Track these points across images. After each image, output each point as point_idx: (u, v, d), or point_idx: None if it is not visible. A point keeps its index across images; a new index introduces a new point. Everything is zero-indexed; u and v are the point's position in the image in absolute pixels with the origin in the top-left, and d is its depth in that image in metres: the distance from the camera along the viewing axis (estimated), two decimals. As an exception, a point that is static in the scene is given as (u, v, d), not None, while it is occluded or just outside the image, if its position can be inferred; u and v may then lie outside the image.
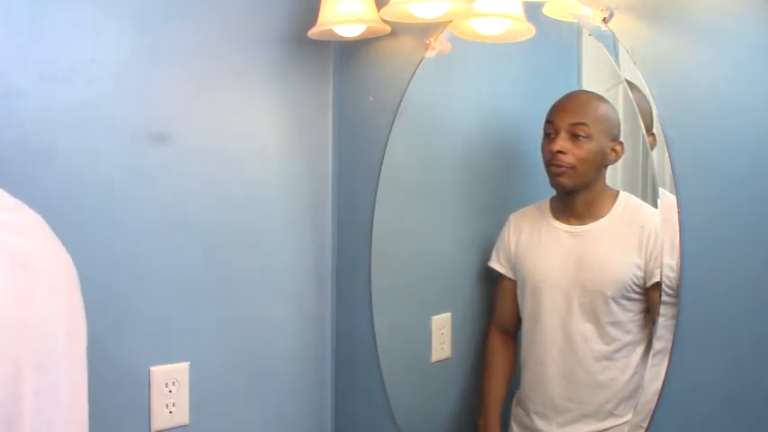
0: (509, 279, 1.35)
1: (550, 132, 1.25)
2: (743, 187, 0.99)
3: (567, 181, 1.25)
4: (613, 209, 1.22)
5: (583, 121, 1.22)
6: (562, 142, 1.23)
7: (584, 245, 1.25)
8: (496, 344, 1.40)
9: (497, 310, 1.40)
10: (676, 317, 1.04)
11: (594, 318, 1.21)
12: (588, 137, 1.22)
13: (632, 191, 1.23)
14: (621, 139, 1.20)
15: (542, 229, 1.31)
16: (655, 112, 1.05)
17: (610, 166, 1.23)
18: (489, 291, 1.43)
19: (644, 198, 1.20)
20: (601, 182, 1.24)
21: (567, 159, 1.23)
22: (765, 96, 0.97)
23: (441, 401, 1.48)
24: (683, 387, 1.04)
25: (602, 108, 1.24)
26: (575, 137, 1.22)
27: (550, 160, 1.25)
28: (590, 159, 1.23)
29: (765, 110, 0.97)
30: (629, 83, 1.10)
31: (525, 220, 1.35)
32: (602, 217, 1.24)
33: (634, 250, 1.17)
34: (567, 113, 1.24)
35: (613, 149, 1.21)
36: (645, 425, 1.08)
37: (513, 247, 1.35)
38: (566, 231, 1.27)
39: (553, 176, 1.26)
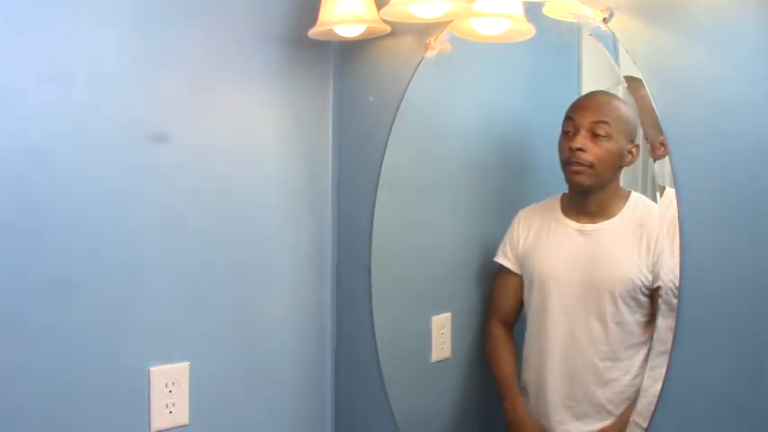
0: (514, 274, 1.35)
1: (569, 130, 1.24)
2: (743, 187, 0.99)
3: (584, 180, 1.24)
4: (624, 209, 1.22)
5: (604, 119, 1.22)
6: (582, 140, 1.22)
7: (594, 243, 1.25)
8: (499, 333, 1.39)
9: (498, 304, 1.40)
10: (677, 318, 1.04)
11: (600, 317, 1.21)
12: (608, 136, 1.21)
13: (632, 189, 1.22)
14: (638, 141, 1.19)
15: (552, 226, 1.30)
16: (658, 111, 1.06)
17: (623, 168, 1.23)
18: (489, 290, 1.43)
19: (644, 195, 1.20)
20: (615, 183, 1.24)
21: (587, 157, 1.22)
22: (765, 96, 0.97)
23: (441, 401, 1.48)
24: (682, 388, 1.04)
25: (623, 109, 1.23)
26: (595, 135, 1.22)
27: (569, 158, 1.24)
28: (608, 159, 1.22)
29: (765, 109, 0.97)
30: (636, 81, 1.09)
31: (534, 217, 1.35)
32: (613, 216, 1.23)
33: (643, 251, 1.17)
34: (589, 111, 1.24)
35: (630, 151, 1.21)
36: (645, 425, 1.08)
37: (521, 242, 1.34)
38: (576, 229, 1.27)
39: (571, 174, 1.25)
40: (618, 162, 1.23)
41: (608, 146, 1.22)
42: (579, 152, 1.22)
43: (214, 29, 1.34)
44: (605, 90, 1.27)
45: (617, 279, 1.19)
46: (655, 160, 1.13)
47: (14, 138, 1.10)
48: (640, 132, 1.14)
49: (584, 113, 1.24)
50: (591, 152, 1.22)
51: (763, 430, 0.98)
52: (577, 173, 1.24)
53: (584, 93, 1.29)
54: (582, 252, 1.26)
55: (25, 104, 1.11)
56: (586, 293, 1.23)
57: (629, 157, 1.21)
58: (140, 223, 1.24)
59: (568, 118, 1.25)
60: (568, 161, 1.24)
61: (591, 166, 1.23)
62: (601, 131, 1.22)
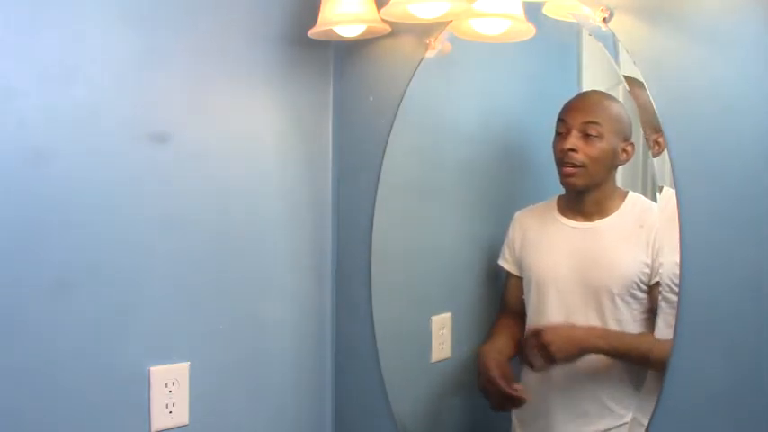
0: (516, 276, 1.35)
1: (562, 131, 1.25)
2: (743, 186, 0.99)
3: (577, 181, 1.25)
4: (622, 207, 1.22)
5: (595, 119, 1.22)
6: (574, 140, 1.22)
7: (591, 241, 1.25)
8: (504, 317, 1.39)
9: (505, 305, 1.40)
10: (676, 316, 1.04)
11: (599, 315, 1.21)
12: (600, 136, 1.22)
13: (632, 189, 1.23)
14: (633, 140, 1.19)
15: (548, 225, 1.31)
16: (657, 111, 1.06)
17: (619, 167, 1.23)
18: (490, 291, 1.44)
19: (644, 195, 1.20)
20: (611, 182, 1.24)
21: (579, 157, 1.23)
22: (765, 96, 0.97)
23: (441, 401, 1.48)
24: (683, 386, 1.04)
25: (615, 108, 1.23)
26: (586, 136, 1.22)
27: (562, 158, 1.24)
28: (601, 159, 1.22)
29: (765, 109, 0.97)
30: (634, 81, 1.09)
31: (531, 218, 1.35)
32: (610, 214, 1.24)
33: (641, 248, 1.17)
34: (580, 112, 1.24)
35: (624, 150, 1.21)
36: (645, 423, 1.08)
37: (518, 243, 1.35)
38: (572, 227, 1.27)
39: (564, 176, 1.25)
40: (611, 161, 1.23)
41: (600, 146, 1.22)
42: (571, 153, 1.23)
43: (214, 29, 1.34)
44: (598, 90, 1.27)
45: (614, 277, 1.20)
46: (653, 157, 1.13)
47: (14, 138, 1.10)
48: (640, 131, 1.14)
49: (575, 114, 1.24)
50: (583, 152, 1.22)
51: (763, 430, 0.99)
52: (570, 174, 1.25)
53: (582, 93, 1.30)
54: (579, 250, 1.26)
55: (25, 104, 1.11)
56: (584, 291, 1.23)
57: (624, 155, 1.21)
58: (140, 223, 1.24)
59: (560, 119, 1.26)
60: (561, 162, 1.25)
61: (583, 166, 1.23)
62: (592, 132, 1.22)
